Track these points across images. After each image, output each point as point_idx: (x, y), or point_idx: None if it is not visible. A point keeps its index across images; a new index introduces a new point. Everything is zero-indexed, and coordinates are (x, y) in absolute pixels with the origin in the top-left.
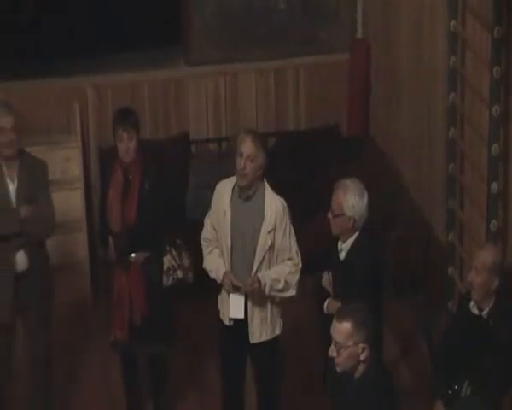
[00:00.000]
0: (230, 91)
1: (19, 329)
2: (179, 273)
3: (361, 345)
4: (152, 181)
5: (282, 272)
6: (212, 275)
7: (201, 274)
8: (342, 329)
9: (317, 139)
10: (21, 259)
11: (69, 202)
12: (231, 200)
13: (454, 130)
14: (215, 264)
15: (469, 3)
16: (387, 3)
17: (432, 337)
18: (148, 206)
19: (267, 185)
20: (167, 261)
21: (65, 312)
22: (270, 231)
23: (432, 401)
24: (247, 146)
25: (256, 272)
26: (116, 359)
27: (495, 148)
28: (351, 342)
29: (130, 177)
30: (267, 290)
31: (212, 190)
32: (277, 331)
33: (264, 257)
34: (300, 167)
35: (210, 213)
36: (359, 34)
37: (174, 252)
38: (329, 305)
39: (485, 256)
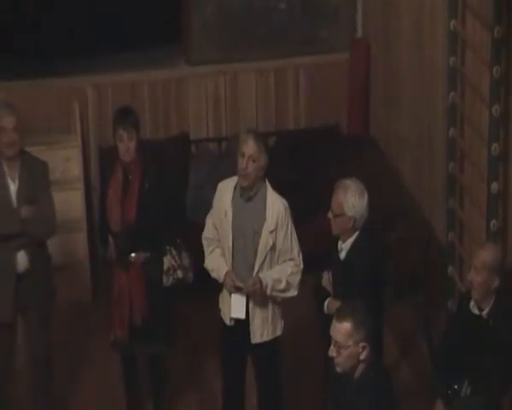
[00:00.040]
0: (230, 91)
1: (19, 329)
2: (179, 273)
3: (361, 344)
4: (152, 181)
5: (283, 272)
6: (214, 274)
7: (201, 274)
8: (342, 329)
9: (316, 139)
10: (22, 259)
11: (69, 201)
12: (233, 200)
13: (454, 129)
14: (216, 263)
15: (469, 3)
16: (387, 3)
17: (432, 337)
18: (148, 206)
19: (269, 186)
20: (167, 261)
21: (65, 311)
22: (271, 232)
23: (432, 401)
24: (250, 146)
25: (257, 272)
26: (116, 359)
27: (495, 147)
28: (351, 342)
29: (130, 176)
30: (269, 291)
31: (212, 189)
32: (278, 332)
33: (265, 258)
34: (300, 167)
35: (211, 212)
36: (359, 34)
37: (174, 252)
38: (329, 305)
39: (485, 256)
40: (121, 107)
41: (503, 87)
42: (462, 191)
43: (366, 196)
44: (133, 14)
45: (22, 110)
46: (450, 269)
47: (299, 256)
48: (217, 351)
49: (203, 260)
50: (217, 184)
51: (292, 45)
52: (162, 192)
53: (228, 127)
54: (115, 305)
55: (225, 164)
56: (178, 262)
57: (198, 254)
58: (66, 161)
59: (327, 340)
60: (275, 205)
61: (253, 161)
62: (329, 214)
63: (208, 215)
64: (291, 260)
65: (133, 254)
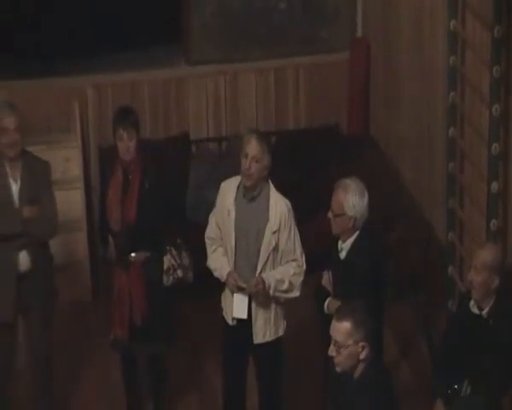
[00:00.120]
0: (230, 91)
1: (20, 329)
2: (179, 273)
3: (361, 344)
4: (152, 181)
5: (286, 273)
6: (216, 274)
7: (201, 274)
8: (342, 328)
9: (316, 139)
10: (24, 259)
11: (69, 201)
12: (236, 199)
13: (454, 129)
14: (219, 263)
15: (469, 3)
16: (387, 3)
17: (432, 337)
18: (148, 205)
19: (272, 186)
20: (167, 261)
21: (65, 311)
22: (274, 232)
23: (432, 401)
24: (253, 147)
25: (260, 273)
26: (116, 359)
27: (495, 147)
28: (351, 341)
29: (130, 176)
30: (271, 291)
31: (212, 189)
32: (281, 332)
33: (268, 258)
34: (300, 167)
35: (214, 211)
36: (359, 34)
37: (174, 251)
38: (330, 304)
39: (486, 255)
40: (121, 107)
41: (503, 87)
42: (462, 191)
43: (366, 195)
44: (133, 14)
45: (22, 110)
46: (450, 269)
47: (301, 257)
48: (217, 351)
49: (203, 260)
50: (217, 184)
51: (292, 45)
52: (162, 192)
53: (228, 127)
54: (115, 305)
55: (225, 164)
56: (178, 262)
57: (198, 254)
58: (66, 161)
59: (327, 340)
60: (278, 205)
61: (257, 161)
62: (329, 214)
63: (211, 214)
64: (294, 260)
65: (133, 254)
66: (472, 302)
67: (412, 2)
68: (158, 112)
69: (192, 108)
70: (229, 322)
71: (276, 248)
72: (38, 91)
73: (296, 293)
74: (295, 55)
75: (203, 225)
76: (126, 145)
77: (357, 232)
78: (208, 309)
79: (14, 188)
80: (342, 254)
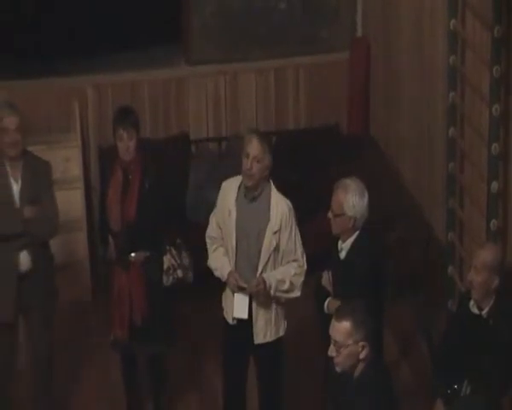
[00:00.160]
0: (230, 91)
1: (21, 329)
2: (179, 273)
3: (361, 343)
4: (152, 180)
5: (287, 273)
6: (217, 273)
7: (201, 274)
8: (342, 328)
9: (316, 139)
10: (25, 259)
11: (69, 201)
12: (237, 199)
13: (454, 129)
14: (220, 262)
15: (469, 2)
16: (387, 3)
17: (432, 337)
18: (148, 205)
19: (273, 186)
20: (167, 261)
21: (65, 311)
22: (275, 233)
23: (432, 401)
24: (254, 147)
25: (261, 273)
26: (116, 359)
27: (495, 147)
28: (350, 341)
29: (130, 176)
30: (272, 291)
31: (212, 189)
32: (281, 332)
33: (269, 258)
34: (300, 167)
35: (215, 210)
36: (359, 34)
37: (174, 251)
38: (330, 304)
39: (485, 255)
40: (121, 106)
41: (503, 87)
42: (462, 191)
43: (366, 195)
44: (133, 14)
45: (22, 110)
46: (450, 269)
47: (302, 257)
48: (217, 351)
49: (203, 260)
50: (217, 184)
51: (292, 45)
52: (162, 192)
53: (228, 127)
54: (115, 305)
55: (225, 164)
56: (178, 262)
57: (198, 254)
58: (66, 161)
59: (327, 340)
60: (279, 206)
61: (258, 161)
62: (329, 214)
63: (212, 214)
64: (294, 261)
65: (133, 254)
66: (472, 302)
67: (412, 2)
68: (158, 112)
69: (192, 108)
70: (230, 322)
71: (276, 249)
72: (38, 91)
73: (297, 293)
74: (295, 55)
75: (203, 225)
76: (126, 145)
77: (357, 232)
78: (208, 309)
79: (15, 188)
80: (342, 254)
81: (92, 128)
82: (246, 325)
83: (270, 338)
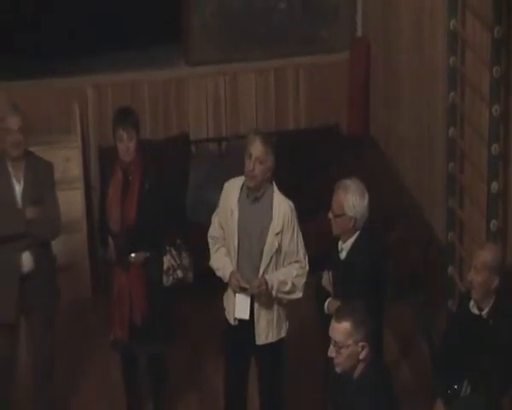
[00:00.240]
0: (230, 91)
1: (22, 330)
2: (179, 273)
3: (361, 344)
4: (152, 181)
5: (289, 274)
6: (219, 273)
7: (201, 274)
8: (341, 328)
9: (316, 139)
10: (27, 260)
11: (69, 201)
12: (239, 200)
13: (454, 129)
14: (222, 262)
15: (469, 3)
16: (387, 3)
17: (432, 337)
18: (148, 206)
19: (275, 187)
20: (167, 261)
21: (65, 311)
22: (277, 234)
23: (432, 401)
24: (257, 148)
25: (263, 274)
26: (116, 359)
27: (495, 147)
28: (350, 341)
29: (129, 177)
30: (274, 292)
31: (212, 190)
32: (283, 333)
33: (271, 259)
34: (300, 167)
35: (218, 210)
36: (359, 34)
37: (174, 252)
38: (330, 305)
39: (485, 255)
40: (121, 107)
41: (503, 87)
42: (462, 191)
43: (366, 196)
44: (133, 14)
45: (22, 110)
46: (450, 269)
47: (304, 258)
48: (217, 351)
49: (203, 260)
50: (217, 185)
51: (292, 45)
52: (162, 192)
53: (228, 127)
54: (115, 305)
55: (225, 164)
56: (178, 262)
57: (198, 254)
58: (66, 161)
59: (327, 340)
60: (281, 207)
61: (260, 162)
62: (330, 214)
63: (214, 214)
64: (296, 262)
65: (133, 255)
66: (472, 302)
67: (412, 2)
68: (158, 112)
69: (192, 108)
70: (232, 322)
71: (278, 250)
72: (38, 92)
73: (299, 294)
74: (295, 55)
75: (203, 226)
76: (126, 146)
77: (358, 232)
78: (208, 309)
79: (18, 188)
80: (342, 255)
81: (92, 128)
82: (247, 326)
83: (271, 339)
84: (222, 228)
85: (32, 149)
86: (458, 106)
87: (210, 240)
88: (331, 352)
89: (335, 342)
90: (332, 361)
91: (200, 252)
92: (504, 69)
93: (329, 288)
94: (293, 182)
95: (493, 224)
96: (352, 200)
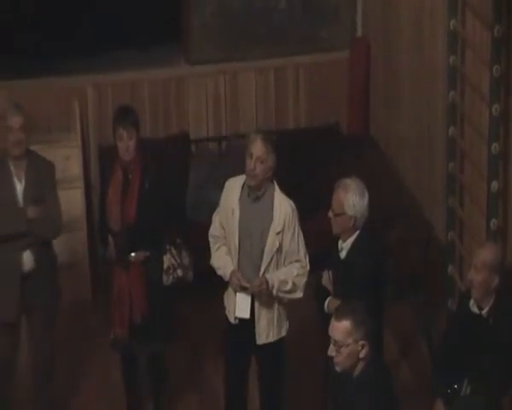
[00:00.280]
0: (230, 90)
1: (22, 329)
2: (179, 272)
3: (360, 343)
4: (152, 180)
5: (289, 273)
6: (220, 272)
7: (202, 273)
8: (341, 327)
9: (316, 138)
10: (28, 259)
11: (69, 200)
12: (240, 199)
13: (454, 128)
14: (223, 261)
15: (469, 2)
16: (387, 3)
17: (432, 337)
18: (148, 205)
19: (277, 187)
20: (167, 260)
21: (65, 310)
22: (278, 233)
23: (432, 401)
24: (258, 148)
25: (263, 273)
26: (116, 359)
27: (495, 146)
28: (350, 340)
29: (129, 176)
30: (275, 291)
31: (212, 189)
32: (283, 333)
33: (271, 259)
34: (300, 166)
35: (218, 209)
36: (359, 34)
37: (174, 251)
38: (330, 304)
39: (485, 255)
40: (121, 106)
41: (503, 86)
42: (462, 190)
43: (366, 195)
44: (133, 13)
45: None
46: (450, 268)
47: (305, 258)
48: (217, 351)
49: (203, 260)
50: (217, 184)
51: (292, 45)
52: (162, 191)
53: (228, 126)
54: (115, 304)
55: (225, 163)
56: (178, 261)
57: (198, 254)
58: (66, 160)
59: (327, 339)
60: (282, 206)
61: (261, 162)
62: (330, 213)
63: (215, 213)
64: (297, 261)
65: (133, 254)
66: (472, 302)
67: (412, 2)
68: (158, 111)
69: (192, 107)
70: (232, 321)
71: (279, 249)
72: (38, 91)
73: (299, 294)
74: (295, 55)
75: (203, 225)
76: (126, 145)
77: (358, 232)
78: (208, 309)
79: (19, 187)
80: (342, 254)
81: (92, 127)
82: (248, 325)
83: (272, 339)
84: (223, 227)
85: (31, 147)
86: (458, 105)
87: (211, 239)
88: (331, 351)
89: (335, 341)
90: (332, 360)
91: (201, 251)
92: (504, 68)
93: (329, 287)
94: (293, 181)
95: (493, 223)
96: (352, 199)
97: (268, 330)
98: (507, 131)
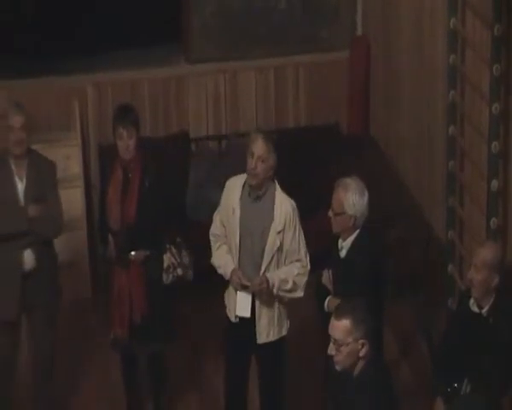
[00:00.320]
0: (230, 89)
1: (23, 328)
2: (179, 271)
3: (360, 341)
4: (152, 179)
5: (290, 272)
6: (220, 271)
7: (202, 272)
8: (341, 326)
9: (316, 137)
10: (29, 258)
11: (69, 199)
12: (241, 198)
13: (454, 128)
14: (223, 260)
15: (469, 1)
16: (387, 3)
17: (432, 337)
18: (148, 204)
19: (278, 186)
20: (167, 259)
21: (65, 310)
22: (279, 232)
23: (432, 401)
24: (259, 147)
25: (264, 272)
26: (116, 359)
27: (495, 145)
28: (350, 339)
29: (129, 175)
30: (275, 290)
31: (212, 188)
32: (284, 332)
33: (272, 258)
34: (300, 165)
35: (219, 208)
36: (359, 33)
37: (174, 250)
38: (330, 303)
39: (485, 254)
40: (121, 104)
41: (503, 85)
42: (462, 189)
43: (366, 194)
44: (133, 13)
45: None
46: (450, 267)
47: (306, 257)
48: (217, 351)
49: (203, 259)
50: (217, 183)
51: (292, 45)
52: (162, 191)
53: (228, 125)
54: (115, 304)
55: (225, 162)
56: (178, 260)
57: (198, 253)
58: (66, 159)
59: (327, 338)
60: (283, 205)
61: (262, 161)
62: (330, 213)
63: (216, 212)
64: (298, 261)
65: (133, 253)
66: (472, 301)
67: (412, 2)
68: (158, 110)
69: (192, 106)
70: (233, 319)
71: (280, 248)
72: (38, 91)
73: (300, 293)
74: (295, 54)
75: (203, 224)
76: (126, 144)
77: (358, 231)
78: (208, 309)
79: (20, 186)
80: (342, 253)
81: (92, 126)
82: (248, 324)
83: (273, 337)
84: (223, 226)
85: (32, 147)
86: (458, 104)
87: (211, 238)
88: (331, 350)
89: (335, 339)
90: (332, 359)
91: (201, 250)
92: (504, 67)
93: (329, 286)
94: (293, 180)
95: (493, 222)
96: (351, 198)
97: (268, 330)
98: (507, 130)
